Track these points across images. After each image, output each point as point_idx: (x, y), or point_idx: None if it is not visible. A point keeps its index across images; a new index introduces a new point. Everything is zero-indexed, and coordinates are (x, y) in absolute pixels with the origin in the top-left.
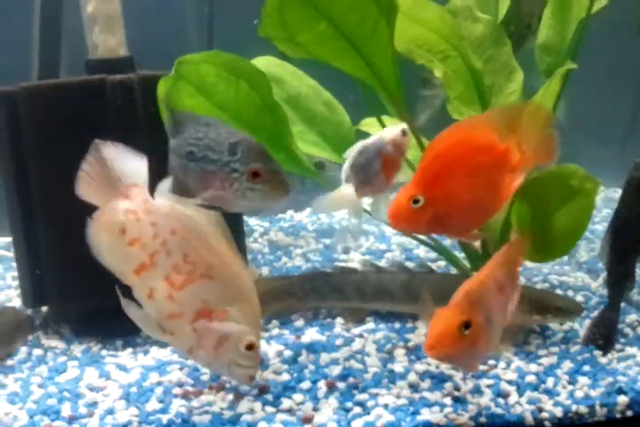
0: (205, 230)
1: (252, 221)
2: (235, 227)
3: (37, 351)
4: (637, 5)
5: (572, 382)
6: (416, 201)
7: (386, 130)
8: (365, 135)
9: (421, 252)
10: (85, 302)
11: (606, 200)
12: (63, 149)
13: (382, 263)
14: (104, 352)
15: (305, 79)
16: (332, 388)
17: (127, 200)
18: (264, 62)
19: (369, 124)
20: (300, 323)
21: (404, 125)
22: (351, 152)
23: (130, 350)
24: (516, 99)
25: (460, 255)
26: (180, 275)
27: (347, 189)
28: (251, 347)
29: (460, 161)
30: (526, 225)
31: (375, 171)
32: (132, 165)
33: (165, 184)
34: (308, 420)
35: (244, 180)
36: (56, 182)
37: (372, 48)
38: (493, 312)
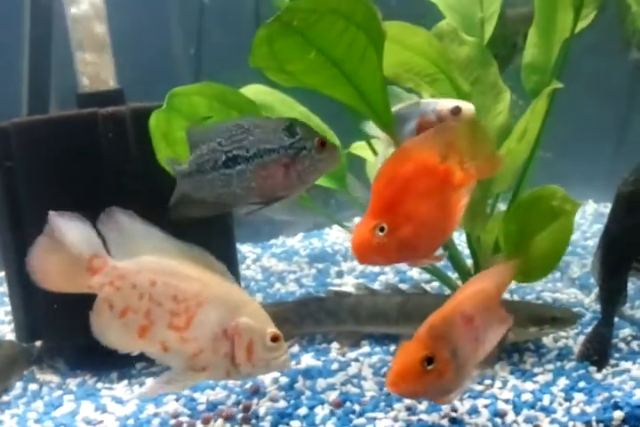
0: (173, 264)
1: (243, 248)
2: (227, 254)
3: (33, 386)
4: (620, 25)
5: (568, 398)
6: (381, 229)
7: (445, 100)
8: (358, 158)
9: (415, 273)
10: (80, 335)
11: (597, 215)
12: (56, 184)
13: (376, 286)
14: (99, 385)
15: (295, 106)
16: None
17: (97, 274)
18: (253, 91)
19: (359, 147)
20: (295, 349)
21: (463, 104)
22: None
23: (125, 382)
24: (504, 118)
25: (454, 276)
26: (180, 316)
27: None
28: (276, 338)
29: (408, 185)
30: (513, 246)
31: (408, 129)
32: (82, 233)
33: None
34: None
35: (314, 153)
36: None
37: (362, 75)
38: (461, 346)
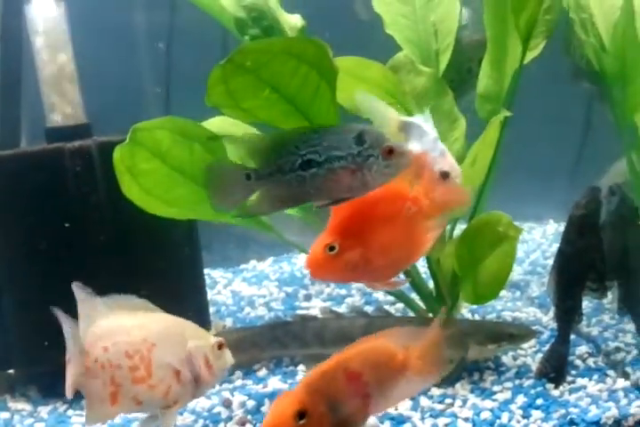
0: (109, 322)
1: (214, 274)
2: (196, 282)
3: (4, 415)
4: (569, 54)
5: (526, 416)
6: (331, 248)
7: (448, 159)
8: None
9: (380, 295)
10: (51, 363)
11: (557, 235)
12: (24, 218)
13: (343, 308)
14: (70, 412)
15: None
16: None
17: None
18: (218, 122)
19: None
20: (262, 372)
21: (456, 170)
22: (422, 122)
23: None
24: (460, 145)
25: (416, 297)
26: (140, 369)
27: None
28: (221, 345)
29: (371, 208)
30: (465, 269)
31: (409, 142)
32: None
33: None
34: None
35: (380, 160)
36: (18, 251)
37: (316, 110)
38: (343, 401)
